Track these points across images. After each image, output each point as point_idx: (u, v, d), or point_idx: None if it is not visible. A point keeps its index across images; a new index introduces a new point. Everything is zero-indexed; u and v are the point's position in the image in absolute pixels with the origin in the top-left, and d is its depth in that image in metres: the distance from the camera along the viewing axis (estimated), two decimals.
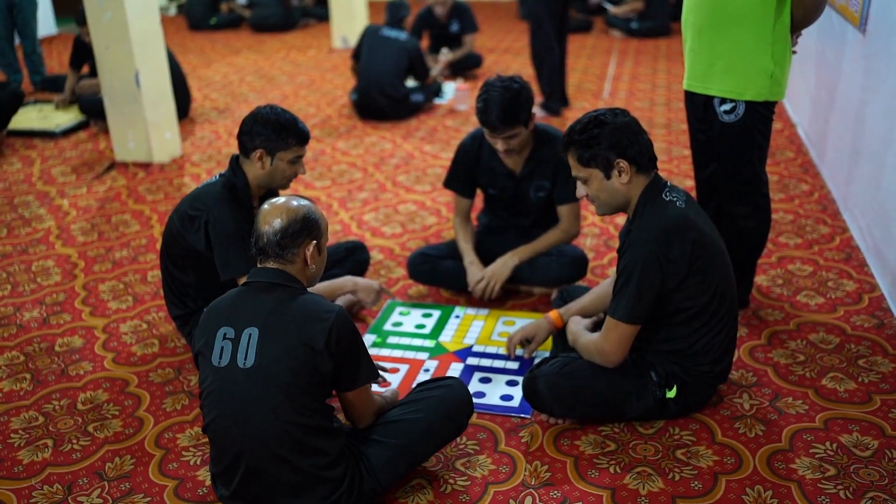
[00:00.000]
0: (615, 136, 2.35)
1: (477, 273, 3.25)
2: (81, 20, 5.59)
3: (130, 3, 4.76)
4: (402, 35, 5.98)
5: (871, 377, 2.73)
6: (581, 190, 2.48)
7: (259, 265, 2.13)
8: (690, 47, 2.95)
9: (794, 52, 2.93)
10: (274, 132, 2.71)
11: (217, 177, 2.83)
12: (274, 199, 2.15)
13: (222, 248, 2.70)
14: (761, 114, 2.88)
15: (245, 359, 2.02)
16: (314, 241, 2.13)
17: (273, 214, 2.09)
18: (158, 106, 5.10)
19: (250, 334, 2.03)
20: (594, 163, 2.39)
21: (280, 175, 2.78)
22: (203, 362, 2.10)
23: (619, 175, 2.38)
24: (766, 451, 2.41)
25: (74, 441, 2.58)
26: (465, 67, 7.04)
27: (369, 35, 6.02)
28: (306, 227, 2.11)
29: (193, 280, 2.86)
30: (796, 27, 2.83)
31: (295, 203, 2.12)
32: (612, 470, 2.36)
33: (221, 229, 2.70)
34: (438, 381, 2.41)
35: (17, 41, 7.14)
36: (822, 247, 3.66)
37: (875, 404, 2.59)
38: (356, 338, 2.10)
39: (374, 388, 2.44)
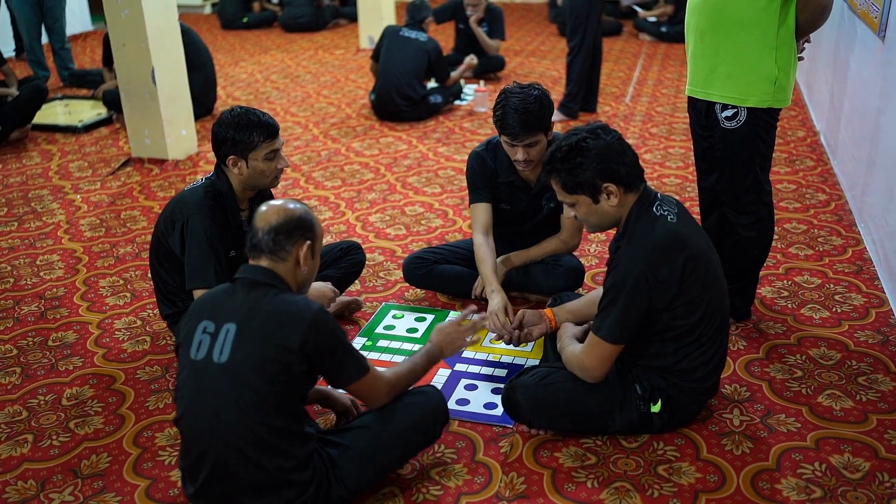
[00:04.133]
0: (600, 162, 2.26)
1: (497, 302, 2.88)
2: None
3: (147, 1, 4.79)
4: (422, 36, 5.95)
5: (870, 395, 2.62)
6: (569, 212, 2.41)
7: (251, 262, 2.13)
8: (693, 52, 2.88)
9: (800, 59, 2.84)
10: (238, 133, 2.68)
11: (202, 180, 2.83)
12: (271, 201, 2.17)
13: (192, 257, 2.70)
14: (764, 121, 2.79)
15: (220, 353, 2.02)
16: (308, 242, 2.13)
17: (269, 213, 2.12)
18: (174, 103, 5.13)
19: (228, 329, 2.03)
20: (580, 190, 2.31)
21: (261, 175, 2.75)
22: (182, 354, 2.11)
23: (608, 198, 2.30)
24: (751, 469, 2.33)
25: (54, 437, 2.58)
26: (486, 70, 6.99)
27: (389, 36, 6.00)
28: (301, 226, 2.12)
29: (178, 282, 2.85)
30: (802, 32, 2.74)
31: (291, 205, 2.15)
32: (589, 484, 2.30)
33: (194, 238, 2.69)
34: (414, 389, 2.37)
35: (45, 39, 7.25)
36: (833, 259, 3.55)
37: (871, 424, 2.49)
38: (335, 337, 2.07)
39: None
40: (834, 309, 3.15)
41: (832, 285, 3.32)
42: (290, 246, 2.09)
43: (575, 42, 5.62)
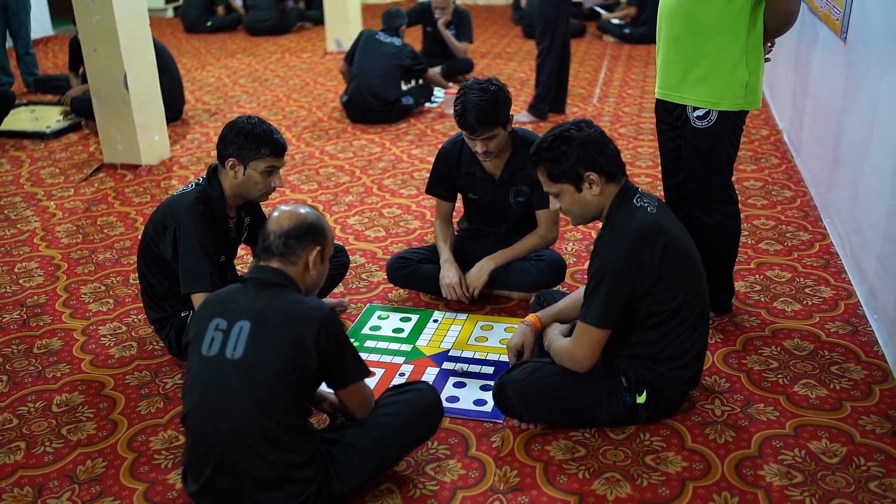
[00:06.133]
0: (583, 151, 2.37)
1: (450, 271, 3.27)
2: None
3: (119, 6, 4.78)
4: (397, 41, 6.04)
5: (843, 384, 2.74)
6: (555, 203, 2.50)
7: (262, 263, 2.18)
8: (665, 57, 2.96)
9: (767, 60, 2.95)
10: (247, 141, 2.72)
11: (192, 185, 2.85)
12: (283, 206, 2.23)
13: (186, 262, 2.72)
14: (734, 122, 2.90)
15: (234, 350, 2.06)
16: (318, 248, 2.19)
17: (282, 217, 2.18)
18: (147, 108, 5.11)
19: (241, 327, 2.07)
20: (564, 178, 2.41)
21: (253, 186, 2.79)
22: (192, 351, 2.14)
23: (590, 187, 2.40)
24: (734, 457, 2.42)
25: (47, 444, 2.58)
26: (455, 72, 7.05)
27: (364, 38, 6.07)
28: (311, 232, 2.18)
29: (167, 286, 2.87)
30: (770, 36, 2.85)
31: (303, 210, 2.21)
32: (580, 475, 2.37)
33: (188, 243, 2.72)
34: (409, 386, 2.43)
35: (9, 43, 7.16)
36: (802, 253, 3.67)
37: (845, 411, 2.60)
38: (343, 337, 2.15)
39: None
40: (805, 302, 3.27)
41: (802, 279, 3.45)
42: (301, 250, 2.15)
43: (544, 45, 5.71)
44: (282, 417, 2.04)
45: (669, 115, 3.01)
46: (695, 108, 2.87)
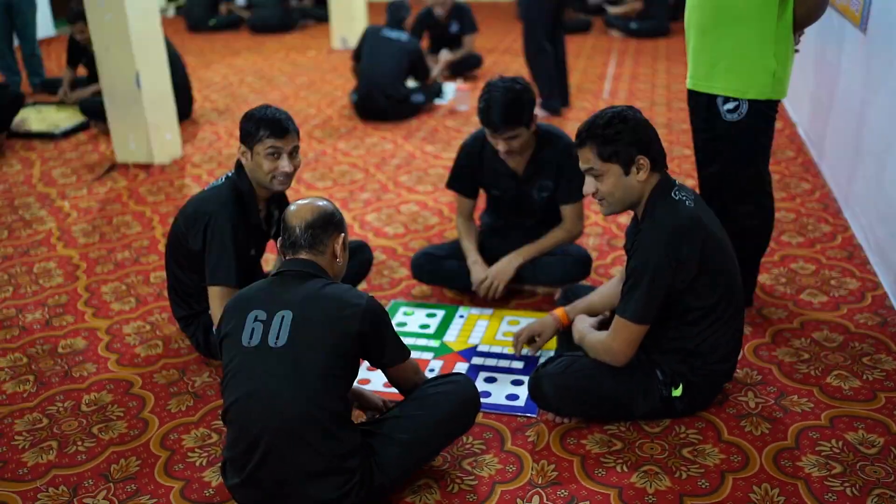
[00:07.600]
0: (638, 133, 2.37)
1: (480, 272, 3.25)
2: (72, 18, 5.68)
3: (131, 5, 4.76)
4: (403, 36, 6.00)
5: (876, 375, 2.73)
6: (590, 187, 2.45)
7: (291, 257, 2.20)
8: (693, 47, 2.95)
9: (796, 51, 2.94)
10: (246, 123, 2.74)
11: (223, 179, 2.84)
12: (299, 200, 2.26)
13: (214, 255, 2.72)
14: (764, 112, 2.88)
15: (277, 339, 2.07)
16: (342, 235, 2.24)
17: (303, 210, 2.22)
18: (159, 107, 5.10)
19: (283, 316, 2.09)
20: (615, 158, 2.38)
21: (260, 170, 2.75)
22: (229, 344, 2.14)
23: (638, 172, 2.38)
24: (772, 448, 2.41)
25: (79, 443, 2.57)
26: (465, 68, 7.04)
27: (370, 36, 6.03)
28: (333, 220, 2.23)
29: (197, 281, 2.86)
30: (799, 25, 2.84)
31: (320, 202, 2.27)
32: (619, 469, 2.36)
33: (219, 236, 2.71)
34: (446, 378, 2.41)
35: (15, 43, 7.12)
36: (824, 245, 3.67)
37: (880, 402, 2.59)
38: (387, 322, 2.19)
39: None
40: (831, 293, 3.26)
41: (827, 271, 3.44)
42: (327, 239, 2.20)
43: (527, 50, 5.78)
44: (329, 405, 2.06)
45: (701, 107, 2.99)
46: (725, 101, 2.86)
